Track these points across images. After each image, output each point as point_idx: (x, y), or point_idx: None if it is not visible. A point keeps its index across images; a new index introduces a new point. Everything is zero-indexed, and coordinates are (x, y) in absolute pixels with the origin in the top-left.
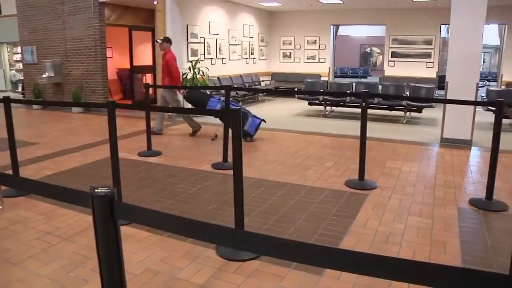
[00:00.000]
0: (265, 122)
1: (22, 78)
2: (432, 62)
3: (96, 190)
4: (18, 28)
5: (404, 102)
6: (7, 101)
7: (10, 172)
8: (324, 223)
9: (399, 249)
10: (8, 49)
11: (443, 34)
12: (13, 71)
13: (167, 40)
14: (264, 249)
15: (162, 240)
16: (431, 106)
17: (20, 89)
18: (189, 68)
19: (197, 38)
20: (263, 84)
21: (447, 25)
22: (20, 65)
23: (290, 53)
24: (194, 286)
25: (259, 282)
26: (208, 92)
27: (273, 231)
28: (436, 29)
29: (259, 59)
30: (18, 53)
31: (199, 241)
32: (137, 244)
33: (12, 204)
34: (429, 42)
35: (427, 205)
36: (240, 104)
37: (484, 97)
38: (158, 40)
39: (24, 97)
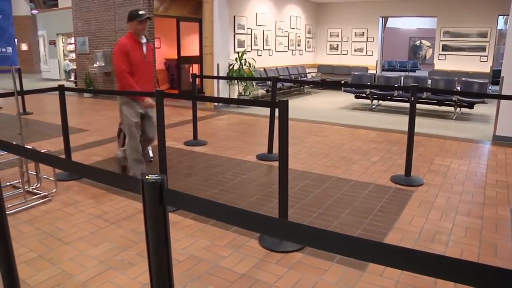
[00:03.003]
0: None
1: (75, 67)
2: (486, 56)
3: (147, 177)
4: (72, 20)
5: (454, 97)
6: (61, 89)
7: (63, 157)
8: (368, 218)
9: (446, 249)
10: (63, 40)
11: (500, 26)
12: (67, 61)
13: (128, 17)
14: (308, 240)
15: (206, 229)
16: (483, 102)
17: (72, 78)
18: (236, 59)
19: (244, 29)
20: (309, 76)
21: (505, 16)
22: (73, 55)
23: (337, 45)
24: (236, 275)
25: (301, 274)
26: None
27: (317, 223)
28: (493, 21)
29: (305, 51)
30: (71, 43)
31: (242, 231)
32: (182, 232)
33: (65, 187)
34: (484, 35)
35: (477, 205)
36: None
37: None
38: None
39: (76, 85)
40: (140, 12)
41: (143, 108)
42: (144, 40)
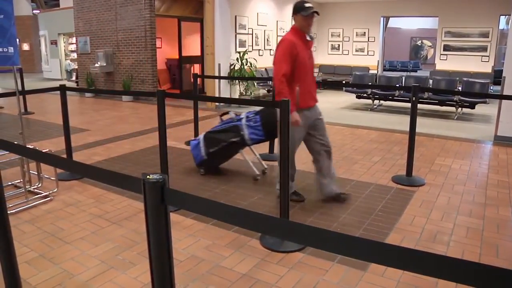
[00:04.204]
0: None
1: (76, 67)
2: (488, 56)
3: (148, 177)
4: (73, 20)
5: (456, 97)
6: (62, 89)
7: (64, 156)
8: (370, 219)
9: (447, 249)
10: (64, 40)
11: (502, 25)
12: (68, 61)
13: (293, 10)
14: (310, 240)
15: (207, 228)
16: (485, 102)
17: (74, 78)
18: (237, 59)
19: (245, 29)
20: None
21: (506, 16)
22: (75, 55)
23: (339, 45)
24: (237, 275)
25: (302, 274)
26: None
27: (317, 224)
28: (494, 21)
29: None
30: (73, 43)
31: (243, 231)
32: (183, 231)
33: (66, 187)
34: (485, 35)
35: (478, 205)
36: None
37: None
38: None
39: (77, 85)
40: (307, 5)
41: (314, 115)
42: (309, 38)
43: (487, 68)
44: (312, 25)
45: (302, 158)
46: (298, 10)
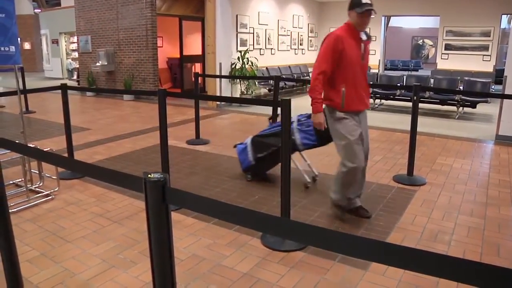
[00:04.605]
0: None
1: (77, 66)
2: (489, 55)
3: (149, 176)
4: (75, 19)
5: (457, 97)
6: (64, 88)
7: (65, 155)
8: (371, 218)
9: (448, 248)
10: (65, 39)
11: (504, 25)
12: (69, 60)
13: (348, 5)
14: (311, 239)
15: (208, 227)
16: (486, 102)
17: (75, 77)
18: (238, 58)
19: (246, 28)
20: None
21: (508, 15)
22: (76, 54)
23: None
24: (238, 274)
25: (303, 273)
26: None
27: (318, 223)
28: (496, 20)
29: (308, 50)
30: (74, 42)
31: (244, 230)
32: (184, 230)
33: (67, 186)
34: (487, 34)
35: (479, 205)
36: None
37: None
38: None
39: (78, 84)
40: (363, 1)
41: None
42: (364, 37)
43: (489, 67)
44: (367, 23)
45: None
46: (353, 5)
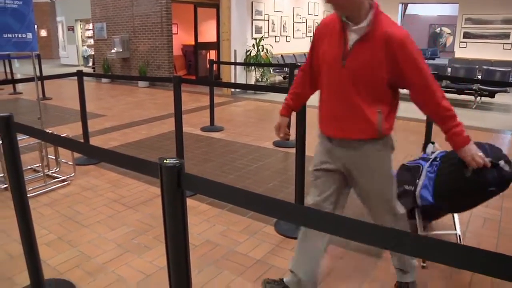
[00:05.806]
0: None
1: (93, 53)
2: (510, 44)
3: (165, 161)
4: (90, 6)
5: (475, 86)
6: (79, 74)
7: (81, 141)
8: None
9: (463, 239)
10: (81, 26)
11: None
12: (85, 47)
13: None
14: (325, 226)
15: (222, 214)
16: (505, 91)
17: (90, 64)
18: (253, 46)
19: (261, 15)
20: None
21: None
22: (91, 41)
23: None
24: (251, 260)
25: None
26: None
27: None
28: None
29: None
30: (89, 29)
31: (258, 216)
32: (198, 217)
33: (83, 171)
34: (509, 21)
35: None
36: None
37: None
38: None
39: (94, 71)
40: None
41: None
42: (354, 36)
43: (509, 56)
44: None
45: None
46: None
